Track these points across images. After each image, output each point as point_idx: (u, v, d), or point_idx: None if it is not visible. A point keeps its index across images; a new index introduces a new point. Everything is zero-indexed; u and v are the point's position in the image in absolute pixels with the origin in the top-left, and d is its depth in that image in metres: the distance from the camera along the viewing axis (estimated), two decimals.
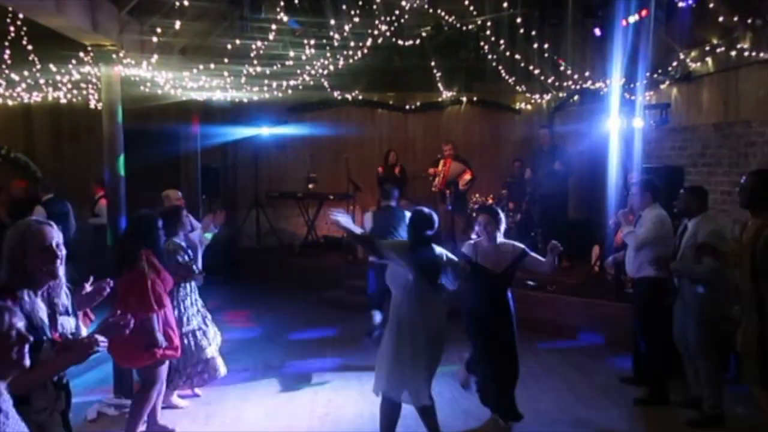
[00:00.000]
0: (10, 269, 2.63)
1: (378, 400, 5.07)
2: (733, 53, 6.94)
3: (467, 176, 10.42)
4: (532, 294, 7.94)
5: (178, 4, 6.36)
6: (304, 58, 8.51)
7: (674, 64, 8.01)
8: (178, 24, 6.74)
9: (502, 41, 8.90)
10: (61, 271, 2.75)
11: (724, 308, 5.12)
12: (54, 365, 2.62)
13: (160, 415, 5.06)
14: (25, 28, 6.25)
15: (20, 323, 2.08)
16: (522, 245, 5.04)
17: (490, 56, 9.87)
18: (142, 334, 4.47)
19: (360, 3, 7.76)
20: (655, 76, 8.29)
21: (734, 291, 4.76)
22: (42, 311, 2.66)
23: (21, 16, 5.68)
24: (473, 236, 5.16)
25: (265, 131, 11.75)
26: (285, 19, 7.49)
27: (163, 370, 4.81)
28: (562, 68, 9.46)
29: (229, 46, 7.86)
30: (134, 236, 4.76)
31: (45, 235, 2.70)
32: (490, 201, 10.75)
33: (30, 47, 6.69)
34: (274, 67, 8.66)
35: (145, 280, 4.54)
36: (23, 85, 8.62)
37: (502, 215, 5.02)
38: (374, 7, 7.89)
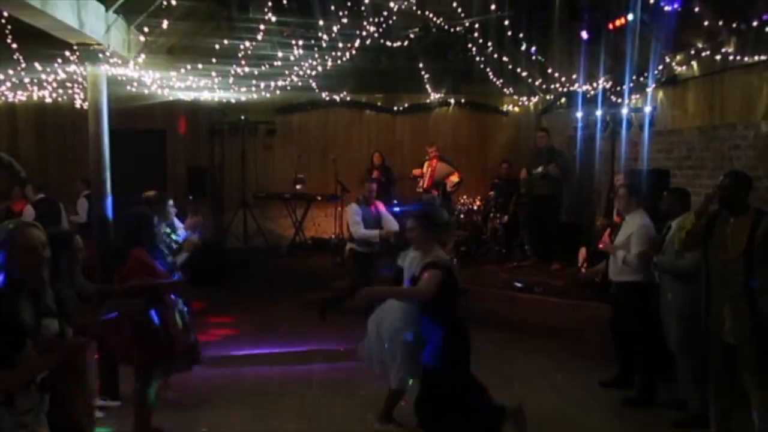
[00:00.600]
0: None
1: (367, 399, 5.10)
2: (718, 57, 7.01)
3: (455, 178, 10.45)
4: (519, 296, 7.98)
5: (165, 3, 6.32)
6: (292, 58, 8.50)
7: (660, 67, 8.08)
8: (165, 23, 6.70)
9: (489, 43, 8.93)
10: (46, 273, 2.73)
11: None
12: (35, 366, 2.61)
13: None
14: (9, 27, 6.19)
15: None
16: (440, 262, 3.98)
17: (477, 58, 9.90)
18: (140, 331, 4.48)
19: (348, 4, 7.75)
20: (641, 79, 8.36)
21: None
22: (26, 312, 2.64)
23: (5, 14, 5.61)
24: None
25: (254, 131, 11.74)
26: (273, 19, 7.46)
27: (161, 367, 4.81)
28: (549, 71, 9.51)
29: (216, 46, 7.83)
30: (127, 234, 4.73)
31: (32, 237, 2.69)
32: (478, 203, 10.80)
33: (14, 45, 6.62)
34: (262, 68, 8.63)
35: (135, 277, 4.51)
36: (8, 84, 8.54)
37: (437, 219, 4.21)
38: (362, 8, 7.89)
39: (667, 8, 6.77)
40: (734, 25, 6.55)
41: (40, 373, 2.65)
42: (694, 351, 5.02)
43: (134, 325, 4.47)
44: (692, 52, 7.49)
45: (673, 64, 7.91)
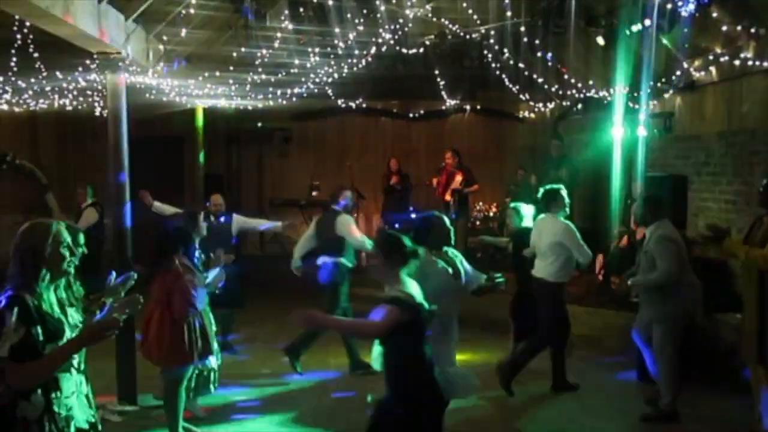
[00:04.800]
0: (32, 266, 2.72)
1: None
2: (737, 62, 6.95)
3: (458, 177, 10.40)
4: None
5: (183, 12, 6.40)
6: (308, 66, 8.55)
7: (678, 73, 8.02)
8: (183, 32, 6.78)
9: (505, 50, 8.92)
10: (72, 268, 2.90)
11: (689, 308, 5.25)
12: (68, 350, 2.72)
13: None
14: (31, 36, 6.29)
15: None
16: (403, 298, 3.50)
17: (493, 65, 9.88)
18: (183, 334, 4.60)
19: (364, 12, 7.79)
20: (659, 85, 8.30)
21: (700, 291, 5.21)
22: (55, 305, 2.79)
23: (27, 23, 5.71)
24: None
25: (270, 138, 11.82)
26: (290, 27, 7.52)
27: (188, 371, 4.89)
28: (565, 77, 9.47)
29: (234, 54, 7.90)
30: (169, 241, 4.85)
31: (65, 234, 2.85)
32: (494, 209, 10.78)
33: (36, 55, 6.73)
34: (279, 75, 8.70)
35: (183, 280, 4.64)
36: (29, 93, 8.67)
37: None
38: (378, 15, 7.92)
39: (684, 13, 6.73)
40: (753, 30, 6.49)
41: (75, 352, 2.77)
42: (673, 353, 5.16)
43: (175, 326, 4.57)
44: (710, 57, 7.43)
45: (691, 69, 7.85)
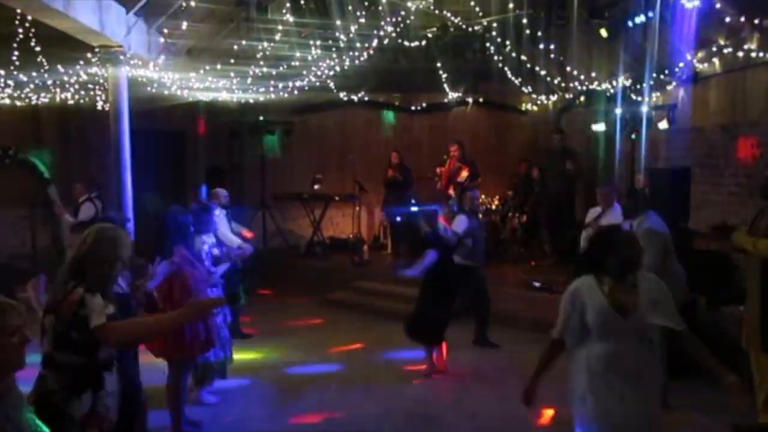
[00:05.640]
0: (104, 270, 2.88)
1: (383, 398, 5.08)
2: (740, 54, 6.92)
3: (464, 173, 10.40)
4: (539, 296, 7.94)
5: (184, 5, 6.39)
6: (309, 59, 8.54)
7: (681, 65, 7.99)
8: (184, 25, 6.78)
9: (508, 42, 8.89)
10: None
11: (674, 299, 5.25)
12: (176, 318, 3.04)
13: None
14: (33, 30, 6.29)
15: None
16: None
17: (495, 57, 9.85)
18: (184, 326, 4.55)
19: (365, 4, 7.76)
20: (662, 77, 8.27)
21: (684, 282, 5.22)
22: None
23: (29, 17, 5.71)
24: None
25: (271, 132, 11.79)
26: (291, 20, 7.51)
27: (191, 363, 4.93)
28: (567, 69, 9.44)
29: (235, 47, 7.89)
30: (167, 232, 4.82)
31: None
32: (496, 202, 10.76)
33: (38, 49, 6.73)
34: (280, 68, 8.69)
35: (184, 272, 4.64)
36: (31, 86, 8.66)
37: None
38: (380, 8, 7.90)
39: (688, 5, 6.69)
40: (756, 22, 6.46)
41: (177, 325, 3.27)
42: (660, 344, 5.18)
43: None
44: (714, 49, 7.40)
45: (695, 61, 7.81)
